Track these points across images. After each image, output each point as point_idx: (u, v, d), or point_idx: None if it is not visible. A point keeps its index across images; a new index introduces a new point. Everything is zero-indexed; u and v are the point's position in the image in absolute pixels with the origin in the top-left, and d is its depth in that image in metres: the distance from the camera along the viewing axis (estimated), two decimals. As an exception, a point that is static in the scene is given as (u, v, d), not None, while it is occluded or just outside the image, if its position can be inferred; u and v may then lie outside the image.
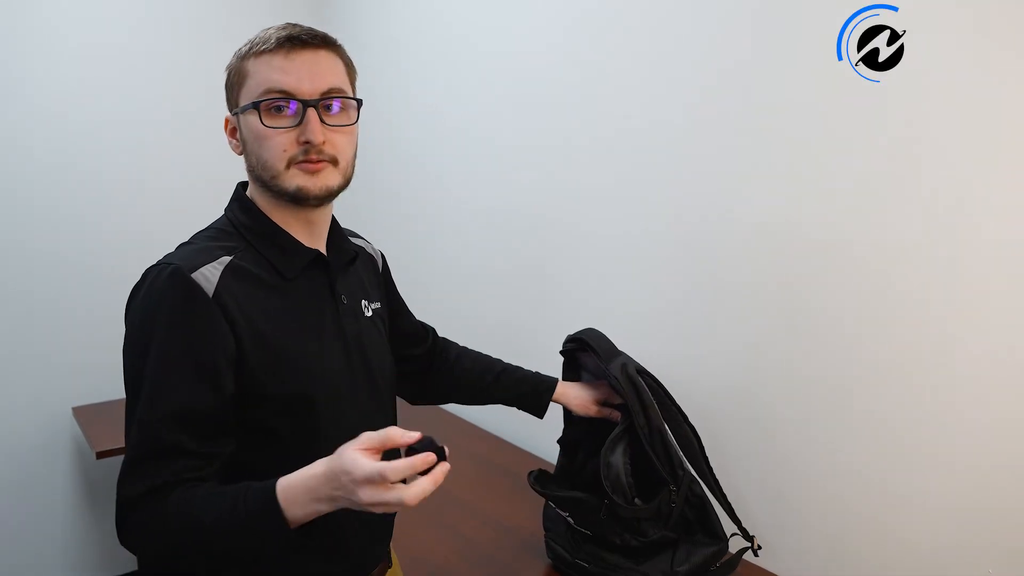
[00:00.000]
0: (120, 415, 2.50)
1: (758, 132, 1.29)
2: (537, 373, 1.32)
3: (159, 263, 0.90)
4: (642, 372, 1.25)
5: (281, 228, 0.98)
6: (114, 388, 2.43)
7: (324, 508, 0.80)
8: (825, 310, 1.22)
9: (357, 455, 0.77)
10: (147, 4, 2.43)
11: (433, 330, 1.34)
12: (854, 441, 1.21)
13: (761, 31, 1.26)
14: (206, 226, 1.01)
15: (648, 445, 1.20)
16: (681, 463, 1.23)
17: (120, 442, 2.21)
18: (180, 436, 0.85)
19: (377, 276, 1.18)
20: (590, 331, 1.32)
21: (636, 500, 1.21)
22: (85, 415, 2.29)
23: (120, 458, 2.28)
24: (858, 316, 1.18)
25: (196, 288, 0.87)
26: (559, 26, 1.71)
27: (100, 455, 1.97)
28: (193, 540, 0.81)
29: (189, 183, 2.51)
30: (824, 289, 1.22)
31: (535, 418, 1.30)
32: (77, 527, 2.46)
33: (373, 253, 1.20)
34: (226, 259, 0.92)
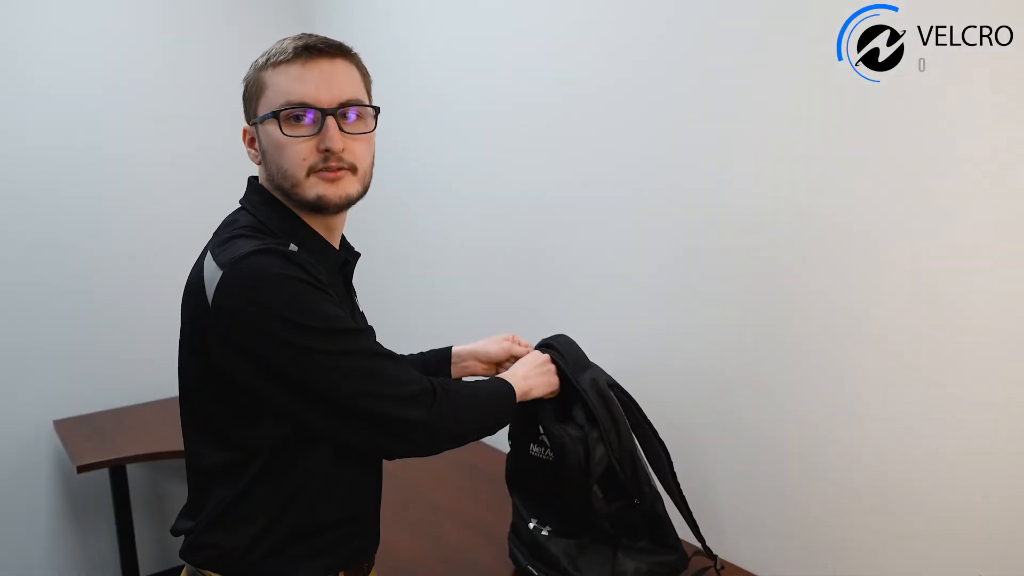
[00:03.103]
0: (101, 428, 2.47)
1: (757, 132, 1.27)
2: (432, 350, 1.32)
3: (248, 251, 0.89)
4: (613, 385, 1.24)
5: (316, 231, 1.01)
6: (96, 401, 2.40)
7: (524, 386, 1.13)
8: (823, 306, 1.21)
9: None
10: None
11: None
12: (849, 435, 1.19)
13: (761, 31, 1.25)
14: (229, 225, 1.00)
15: (616, 462, 1.19)
16: (648, 480, 1.23)
17: (101, 456, 2.17)
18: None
19: (356, 264, 1.19)
20: (561, 337, 1.29)
21: (595, 488, 1.20)
22: (66, 428, 2.24)
23: (102, 471, 2.19)
24: (859, 316, 1.17)
25: (306, 258, 0.92)
26: (550, 22, 1.69)
27: (81, 469, 1.93)
28: (477, 407, 1.05)
29: (176, 202, 2.50)
30: (825, 288, 1.21)
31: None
32: (58, 541, 2.41)
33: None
34: (294, 247, 0.94)
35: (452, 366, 1.28)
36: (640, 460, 1.23)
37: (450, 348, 1.30)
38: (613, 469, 1.19)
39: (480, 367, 1.28)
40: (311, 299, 0.90)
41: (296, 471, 0.97)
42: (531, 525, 1.29)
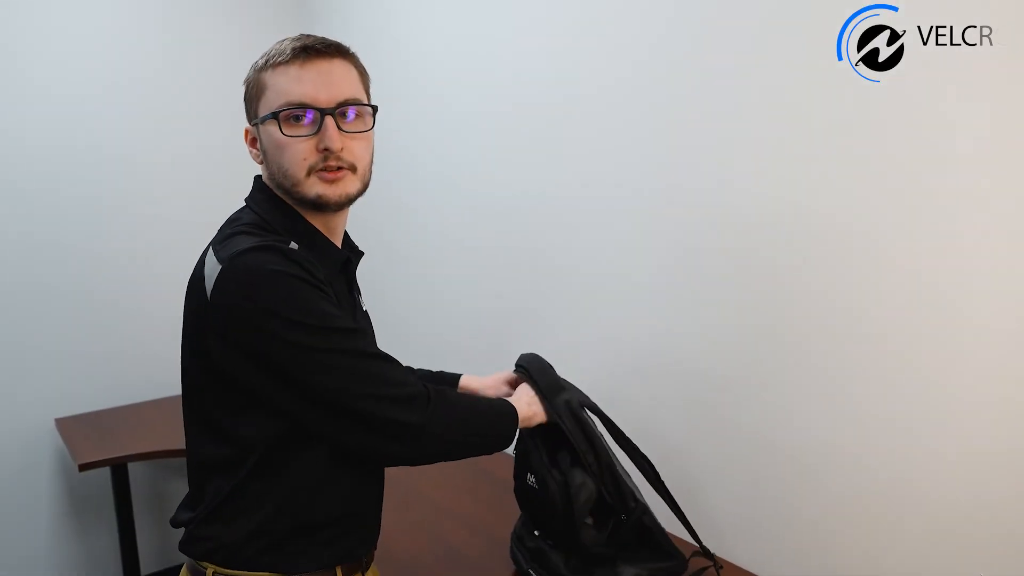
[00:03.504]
0: (103, 427, 2.47)
1: (757, 132, 1.27)
2: (442, 372, 1.33)
3: (247, 247, 0.90)
4: (587, 405, 1.23)
5: (318, 230, 1.02)
6: (97, 400, 2.40)
7: (528, 412, 1.14)
8: (823, 306, 1.21)
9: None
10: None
11: None
12: (845, 434, 1.19)
13: (760, 31, 1.25)
14: (233, 222, 1.01)
15: (598, 482, 1.19)
16: (633, 494, 1.23)
17: (102, 454, 2.17)
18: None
19: (358, 263, 1.20)
20: (534, 359, 1.28)
21: (588, 520, 1.21)
22: (68, 427, 2.24)
23: (103, 470, 2.20)
24: (858, 316, 1.16)
25: (303, 256, 0.93)
26: (550, 22, 1.69)
27: (82, 467, 1.93)
28: (473, 418, 1.04)
29: (176, 202, 2.50)
30: (824, 289, 1.21)
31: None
32: (59, 540, 2.41)
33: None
34: (294, 245, 0.96)
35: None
36: (621, 476, 1.23)
37: (459, 377, 1.32)
38: (600, 493, 1.20)
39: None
40: (308, 296, 0.90)
41: (293, 469, 0.97)
42: (536, 532, 1.30)
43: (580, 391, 1.24)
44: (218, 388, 0.97)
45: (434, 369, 1.35)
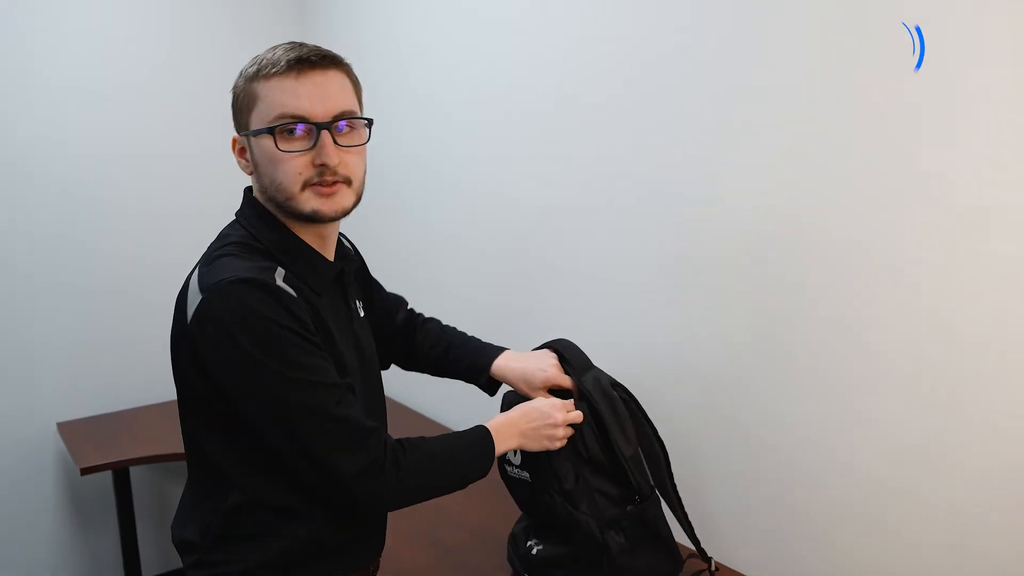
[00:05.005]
0: (105, 431, 2.46)
1: (758, 135, 1.28)
2: (486, 345, 1.28)
3: (229, 279, 0.88)
4: (615, 385, 1.24)
5: (309, 245, 0.99)
6: (100, 404, 2.40)
7: (513, 444, 1.10)
8: (822, 312, 1.22)
9: (540, 398, 1.16)
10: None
11: (403, 298, 1.37)
12: (842, 438, 1.20)
13: (760, 35, 1.26)
14: (222, 239, 0.99)
15: (624, 461, 1.19)
16: (648, 479, 1.23)
17: (104, 458, 2.17)
18: (353, 404, 0.94)
19: (354, 271, 1.18)
20: (563, 341, 1.29)
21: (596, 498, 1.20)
22: (70, 431, 2.25)
23: (105, 474, 2.20)
24: (857, 322, 1.17)
25: (287, 293, 0.90)
26: (550, 30, 1.70)
27: (84, 471, 1.94)
28: (442, 467, 1.02)
29: (182, 206, 2.50)
30: (824, 295, 1.21)
31: None
32: (61, 543, 2.42)
33: (351, 246, 1.19)
34: (281, 271, 0.93)
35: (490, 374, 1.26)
36: (642, 459, 1.23)
37: (494, 359, 1.25)
38: (606, 466, 1.20)
39: (524, 388, 1.23)
40: (282, 343, 0.88)
41: (297, 500, 0.97)
42: (528, 543, 1.29)
43: (607, 374, 1.25)
44: (192, 404, 0.98)
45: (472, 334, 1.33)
